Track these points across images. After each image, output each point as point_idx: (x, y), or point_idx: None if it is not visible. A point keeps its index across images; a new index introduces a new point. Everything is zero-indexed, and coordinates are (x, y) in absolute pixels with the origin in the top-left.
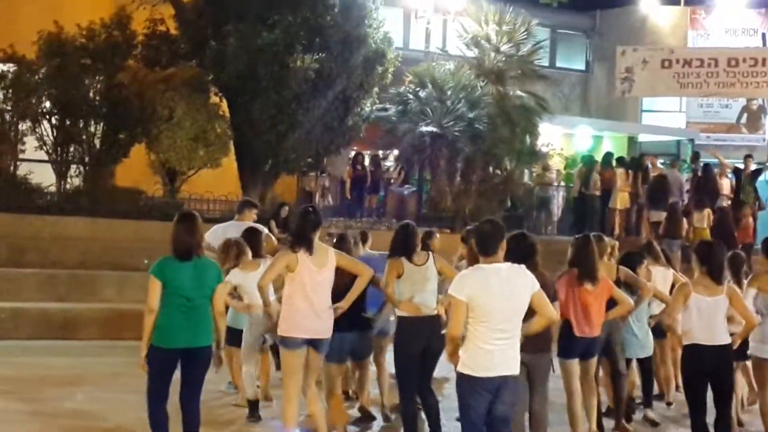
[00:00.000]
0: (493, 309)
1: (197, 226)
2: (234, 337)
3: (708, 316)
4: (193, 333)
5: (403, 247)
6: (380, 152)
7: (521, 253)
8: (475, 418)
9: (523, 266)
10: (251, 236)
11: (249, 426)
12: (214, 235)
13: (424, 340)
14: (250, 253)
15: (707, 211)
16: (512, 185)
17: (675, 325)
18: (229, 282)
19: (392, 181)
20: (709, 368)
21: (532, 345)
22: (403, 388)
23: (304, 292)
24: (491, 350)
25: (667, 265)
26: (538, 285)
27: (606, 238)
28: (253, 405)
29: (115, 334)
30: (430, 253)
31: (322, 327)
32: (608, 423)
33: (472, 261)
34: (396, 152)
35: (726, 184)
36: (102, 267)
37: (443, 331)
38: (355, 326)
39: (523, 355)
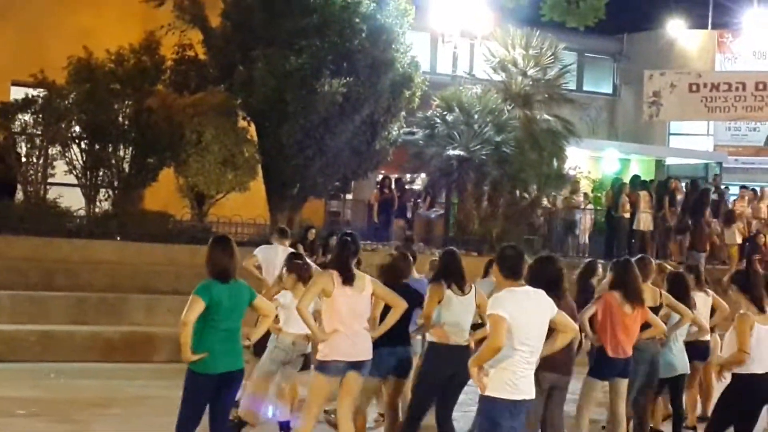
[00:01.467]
0: (530, 330)
1: (233, 248)
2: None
3: (765, 345)
4: (232, 357)
5: (446, 273)
6: (408, 176)
7: (548, 278)
8: None
9: (542, 291)
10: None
11: None
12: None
13: (451, 369)
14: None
15: (736, 226)
16: (536, 209)
17: (745, 359)
18: (276, 300)
19: (419, 205)
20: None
21: (563, 366)
22: (414, 410)
23: (340, 318)
24: (527, 374)
25: (707, 290)
26: (555, 308)
27: (653, 260)
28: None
29: (144, 357)
30: (474, 285)
31: (363, 348)
32: None
33: None
34: (423, 176)
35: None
36: (131, 290)
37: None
38: (403, 341)
39: (552, 375)
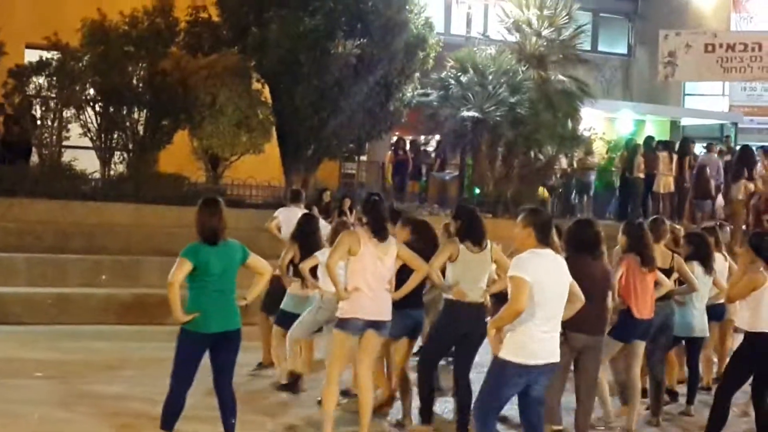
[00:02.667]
0: (552, 294)
1: (221, 210)
2: (288, 321)
3: None
4: (226, 317)
5: (467, 231)
6: (422, 138)
7: (586, 241)
8: (503, 402)
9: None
10: (311, 224)
11: (287, 402)
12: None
13: (465, 326)
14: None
15: (743, 182)
16: (551, 170)
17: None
18: (315, 258)
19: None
20: None
21: (593, 326)
22: (425, 367)
23: (364, 277)
24: (543, 338)
25: (724, 252)
26: (570, 277)
27: (667, 222)
28: (291, 377)
29: (159, 319)
30: (491, 242)
31: (385, 308)
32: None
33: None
34: (437, 137)
35: None
36: (146, 253)
37: (486, 319)
38: (418, 302)
39: (581, 335)
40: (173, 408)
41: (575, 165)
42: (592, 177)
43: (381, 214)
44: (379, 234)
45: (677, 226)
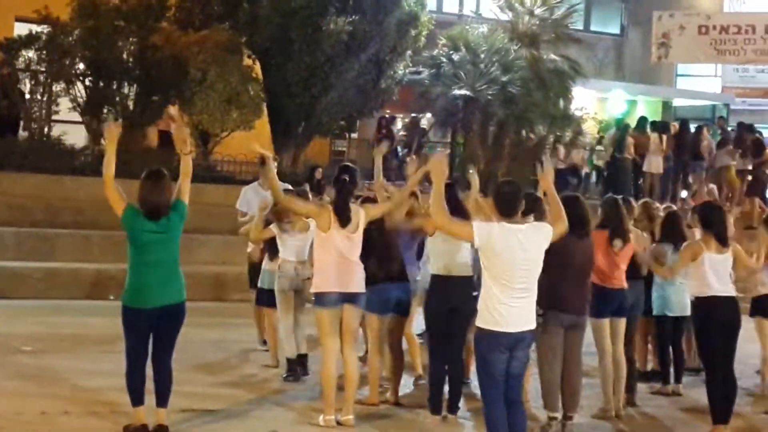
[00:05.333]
0: (513, 267)
1: (165, 184)
2: (264, 298)
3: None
4: (164, 292)
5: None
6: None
7: (573, 218)
8: (497, 374)
9: (542, 224)
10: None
11: (286, 385)
12: (244, 200)
13: (453, 301)
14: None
15: (726, 150)
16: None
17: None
18: (270, 230)
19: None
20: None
21: (578, 306)
22: (434, 350)
23: (336, 250)
24: (511, 307)
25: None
26: (550, 230)
27: (633, 201)
28: (291, 363)
29: None
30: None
31: (357, 279)
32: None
33: None
34: (429, 115)
35: None
36: None
37: (474, 294)
38: (400, 277)
39: (566, 315)
40: (134, 381)
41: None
42: (585, 157)
43: (345, 199)
44: (342, 218)
45: (657, 204)
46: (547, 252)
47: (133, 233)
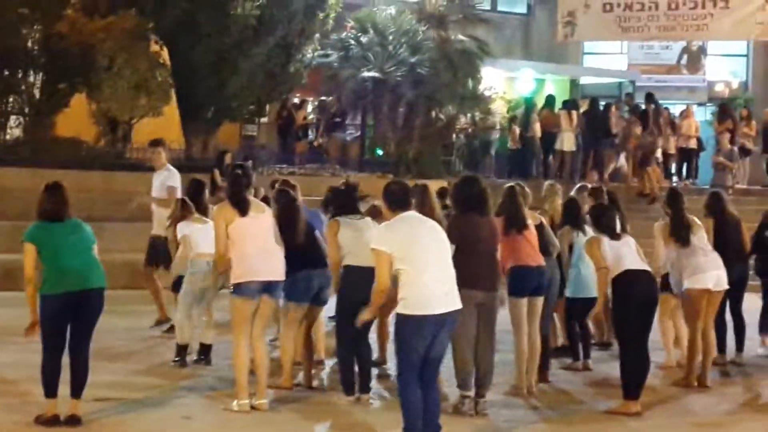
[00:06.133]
0: (420, 251)
1: (64, 197)
2: (178, 285)
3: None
4: (83, 276)
5: (341, 206)
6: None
7: (471, 198)
8: (416, 357)
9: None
10: (197, 189)
11: (198, 372)
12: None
13: (365, 292)
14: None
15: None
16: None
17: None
18: (178, 235)
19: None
20: None
21: (487, 282)
22: (342, 336)
23: (251, 237)
24: (432, 290)
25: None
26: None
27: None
28: (180, 349)
29: None
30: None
31: (277, 268)
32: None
33: None
34: (330, 99)
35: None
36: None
37: None
38: (320, 263)
39: (475, 292)
40: (52, 376)
41: (477, 125)
42: (496, 136)
43: (239, 189)
44: (239, 207)
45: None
46: (454, 230)
47: (43, 243)
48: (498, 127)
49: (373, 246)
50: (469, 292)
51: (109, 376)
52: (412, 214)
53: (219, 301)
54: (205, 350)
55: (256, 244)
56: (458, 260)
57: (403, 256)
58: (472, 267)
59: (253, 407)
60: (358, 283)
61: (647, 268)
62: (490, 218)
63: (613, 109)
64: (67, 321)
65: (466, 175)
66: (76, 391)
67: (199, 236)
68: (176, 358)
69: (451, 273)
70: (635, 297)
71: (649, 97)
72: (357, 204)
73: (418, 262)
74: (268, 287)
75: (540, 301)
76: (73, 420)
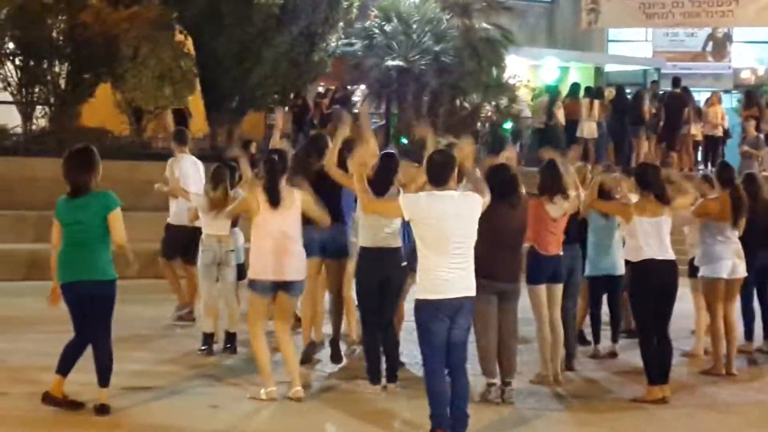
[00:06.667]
0: (447, 234)
1: (86, 161)
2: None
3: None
4: (80, 268)
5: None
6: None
7: (501, 185)
8: (438, 343)
9: (471, 193)
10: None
11: (225, 361)
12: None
13: (382, 272)
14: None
15: None
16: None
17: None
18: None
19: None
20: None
21: (507, 273)
22: (364, 320)
23: (271, 234)
24: (448, 275)
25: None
26: (479, 199)
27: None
28: (206, 337)
29: None
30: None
31: (293, 266)
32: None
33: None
34: (363, 87)
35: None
36: None
37: (403, 264)
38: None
39: (496, 283)
40: (67, 354)
41: (501, 113)
42: (527, 124)
43: (275, 179)
44: (272, 199)
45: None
46: (479, 220)
47: (60, 218)
48: (528, 115)
49: (398, 202)
50: (490, 282)
51: (135, 365)
52: (445, 194)
53: (244, 291)
54: (230, 338)
55: (275, 242)
56: (480, 249)
57: (422, 235)
58: (494, 257)
59: (289, 398)
60: (371, 266)
61: (669, 257)
62: (520, 210)
63: (645, 96)
64: (78, 310)
65: (496, 163)
66: (100, 379)
67: (208, 215)
68: (202, 347)
69: (470, 260)
70: (652, 286)
71: (676, 83)
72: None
73: (436, 247)
74: (283, 286)
75: (559, 288)
76: (102, 409)
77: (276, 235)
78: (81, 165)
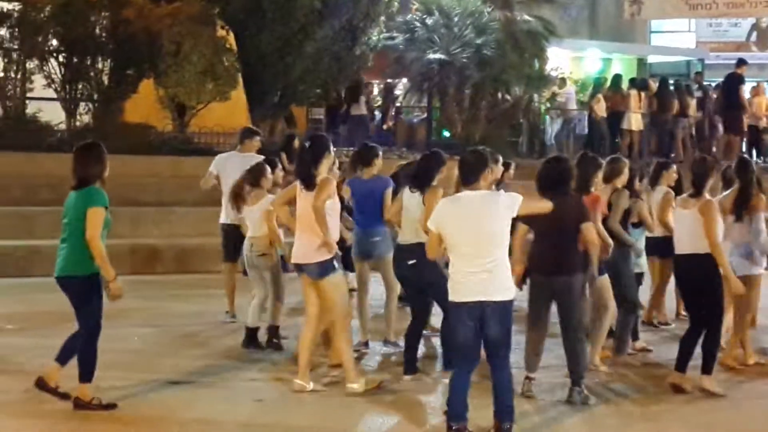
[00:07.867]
0: (461, 237)
1: (87, 158)
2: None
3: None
4: (58, 263)
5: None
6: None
7: (551, 178)
8: (463, 343)
9: (500, 192)
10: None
11: (269, 356)
12: (216, 164)
13: (403, 268)
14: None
15: None
16: (522, 111)
17: None
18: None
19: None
20: None
21: (555, 266)
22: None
23: (298, 217)
24: (461, 278)
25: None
26: (508, 199)
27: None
28: (250, 332)
29: (126, 269)
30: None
31: (303, 251)
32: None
33: None
34: (404, 81)
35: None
36: (114, 203)
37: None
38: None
39: (540, 277)
40: (67, 344)
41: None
42: (573, 115)
43: (306, 164)
44: (305, 183)
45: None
46: (530, 216)
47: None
48: (577, 107)
49: (427, 224)
50: (533, 276)
51: (180, 359)
52: (468, 195)
53: (291, 284)
54: (273, 332)
55: (300, 225)
56: (533, 243)
57: (446, 240)
58: (536, 251)
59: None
60: (398, 262)
61: (699, 251)
62: (572, 199)
63: (690, 90)
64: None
65: (550, 156)
66: (78, 374)
67: (248, 218)
68: (247, 341)
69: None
70: (680, 280)
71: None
72: (414, 179)
73: (457, 249)
74: (300, 268)
75: (606, 278)
76: (75, 403)
77: (300, 218)
78: (83, 161)
